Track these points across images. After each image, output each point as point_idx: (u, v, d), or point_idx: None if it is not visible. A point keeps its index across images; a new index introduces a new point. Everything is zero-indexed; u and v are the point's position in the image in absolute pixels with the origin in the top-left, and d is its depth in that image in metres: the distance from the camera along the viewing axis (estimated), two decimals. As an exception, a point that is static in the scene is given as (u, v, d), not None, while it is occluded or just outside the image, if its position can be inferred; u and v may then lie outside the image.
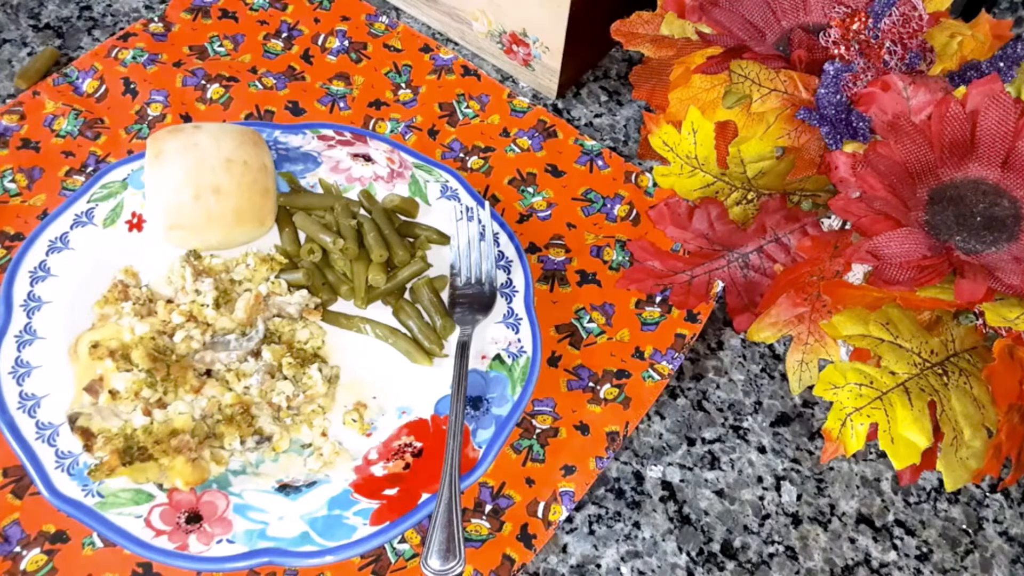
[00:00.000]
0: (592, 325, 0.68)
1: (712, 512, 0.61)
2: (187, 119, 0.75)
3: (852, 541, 0.61)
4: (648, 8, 0.64)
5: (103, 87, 0.76)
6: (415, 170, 0.71)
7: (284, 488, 0.57)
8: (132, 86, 0.76)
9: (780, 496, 0.62)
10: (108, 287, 0.62)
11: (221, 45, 0.80)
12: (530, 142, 0.77)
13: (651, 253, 0.63)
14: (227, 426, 0.57)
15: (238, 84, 0.78)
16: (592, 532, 0.60)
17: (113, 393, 0.56)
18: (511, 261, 0.67)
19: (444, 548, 0.53)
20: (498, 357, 0.63)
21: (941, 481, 0.60)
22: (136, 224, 0.66)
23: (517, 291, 0.65)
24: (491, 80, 0.81)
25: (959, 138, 0.53)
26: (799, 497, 0.62)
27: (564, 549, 0.59)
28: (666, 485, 0.62)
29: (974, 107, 0.53)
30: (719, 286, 0.67)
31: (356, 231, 0.66)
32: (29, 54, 0.78)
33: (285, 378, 0.60)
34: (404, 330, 0.64)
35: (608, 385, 0.65)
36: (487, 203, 0.69)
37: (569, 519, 0.60)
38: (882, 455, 0.64)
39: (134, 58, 0.78)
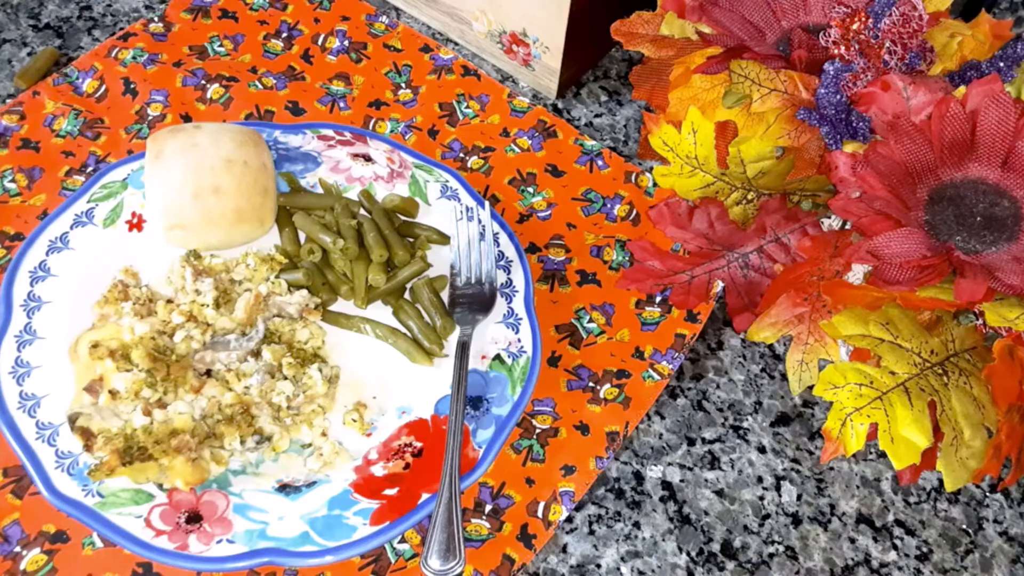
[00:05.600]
0: (592, 325, 0.68)
1: (712, 512, 0.61)
2: (187, 119, 0.75)
3: (852, 541, 0.61)
4: (648, 8, 0.64)
5: (103, 87, 0.76)
6: (415, 170, 0.71)
7: (284, 488, 0.57)
8: (132, 86, 0.76)
9: (780, 496, 0.62)
10: (108, 287, 0.62)
11: (221, 45, 0.80)
12: (530, 142, 0.77)
13: (651, 253, 0.63)
14: (227, 426, 0.57)
15: (238, 84, 0.78)
16: (592, 532, 0.60)
17: (113, 393, 0.56)
18: (511, 261, 0.67)
19: (444, 548, 0.53)
20: (498, 357, 0.63)
21: (941, 481, 0.60)
22: (136, 224, 0.66)
23: (517, 291, 0.65)
24: (491, 80, 0.81)
25: (959, 138, 0.53)
26: (799, 497, 0.62)
27: (564, 549, 0.59)
28: (666, 485, 0.62)
29: (974, 107, 0.53)
30: (719, 286, 0.67)
31: (356, 231, 0.66)
32: (29, 54, 0.78)
33: (285, 378, 0.60)
34: (404, 330, 0.64)
35: (608, 385, 0.65)
36: (487, 203, 0.69)
37: (569, 519, 0.60)
38: (882, 455, 0.64)
39: (134, 58, 0.78)
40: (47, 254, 0.63)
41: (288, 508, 0.56)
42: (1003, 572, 0.60)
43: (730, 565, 0.59)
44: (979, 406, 0.50)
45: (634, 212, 0.74)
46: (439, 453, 0.58)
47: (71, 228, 0.65)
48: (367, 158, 0.71)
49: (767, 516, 0.61)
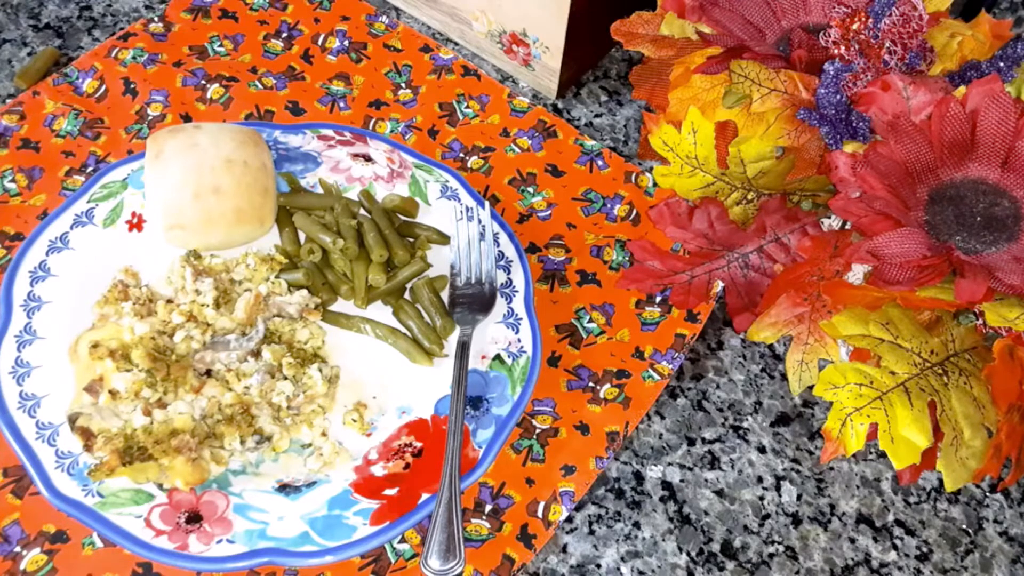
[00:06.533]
0: (592, 325, 0.68)
1: (712, 512, 0.61)
2: (187, 119, 0.75)
3: (852, 541, 0.61)
4: (648, 8, 0.64)
5: (103, 87, 0.76)
6: (415, 170, 0.71)
7: (284, 488, 0.57)
8: (132, 86, 0.76)
9: (780, 496, 0.62)
10: (108, 287, 0.62)
11: (221, 45, 0.80)
12: (530, 142, 0.77)
13: (651, 253, 0.63)
14: (227, 426, 0.57)
15: (238, 84, 0.78)
16: (592, 532, 0.60)
17: (113, 393, 0.56)
18: (511, 261, 0.67)
19: (444, 548, 0.53)
20: (498, 357, 0.63)
21: (941, 481, 0.60)
22: (136, 224, 0.66)
23: (517, 291, 0.65)
24: (491, 80, 0.81)
25: (959, 138, 0.53)
26: (799, 497, 0.62)
27: (564, 549, 0.59)
28: (666, 485, 0.62)
29: (974, 107, 0.53)
30: (719, 286, 0.67)
31: (356, 231, 0.66)
32: (29, 54, 0.78)
33: (285, 378, 0.60)
34: (404, 330, 0.64)
35: (608, 385, 0.65)
36: (487, 203, 0.69)
37: (569, 519, 0.60)
38: (882, 455, 0.64)
39: (134, 58, 0.78)
40: (47, 254, 0.63)
41: (288, 508, 0.56)
42: (1003, 572, 0.60)
43: (730, 565, 0.59)
44: (979, 406, 0.50)
45: (634, 212, 0.74)
46: (439, 453, 0.58)
47: (71, 228, 0.65)
48: (367, 158, 0.71)
49: (767, 516, 0.61)
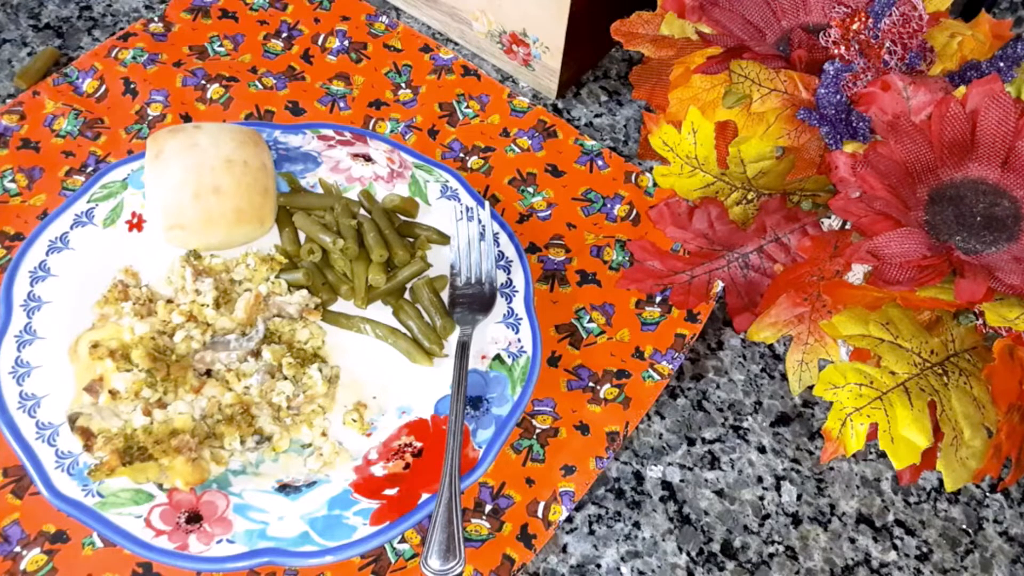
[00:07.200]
0: (592, 325, 0.68)
1: (712, 512, 0.61)
2: (187, 119, 0.75)
3: (852, 541, 0.61)
4: (648, 8, 0.64)
5: (103, 87, 0.76)
6: (415, 170, 0.71)
7: (284, 488, 0.57)
8: (132, 86, 0.76)
9: (780, 496, 0.62)
10: (108, 287, 0.62)
11: (221, 45, 0.80)
12: (530, 142, 0.77)
13: (651, 253, 0.63)
14: (227, 426, 0.57)
15: (238, 84, 0.78)
16: (592, 532, 0.60)
17: (113, 393, 0.56)
18: (511, 261, 0.67)
19: (444, 548, 0.53)
20: (498, 357, 0.63)
21: (941, 481, 0.60)
22: (136, 224, 0.66)
23: (517, 291, 0.65)
24: (491, 80, 0.81)
25: (959, 138, 0.53)
26: (799, 497, 0.62)
27: (564, 549, 0.59)
28: (666, 485, 0.62)
29: (974, 107, 0.53)
30: (719, 286, 0.67)
31: (356, 231, 0.66)
32: (29, 54, 0.78)
33: (285, 378, 0.60)
34: (404, 330, 0.64)
35: (608, 385, 0.65)
36: (487, 203, 0.69)
37: (569, 519, 0.60)
38: (882, 455, 0.64)
39: (134, 58, 0.78)
40: (47, 254, 0.63)
41: (288, 508, 0.56)
42: (1003, 572, 0.60)
43: (730, 565, 0.59)
44: (979, 406, 0.50)
45: (634, 212, 0.74)
46: (439, 453, 0.58)
47: (71, 228, 0.65)
48: (367, 158, 0.71)
49: (767, 516, 0.61)
